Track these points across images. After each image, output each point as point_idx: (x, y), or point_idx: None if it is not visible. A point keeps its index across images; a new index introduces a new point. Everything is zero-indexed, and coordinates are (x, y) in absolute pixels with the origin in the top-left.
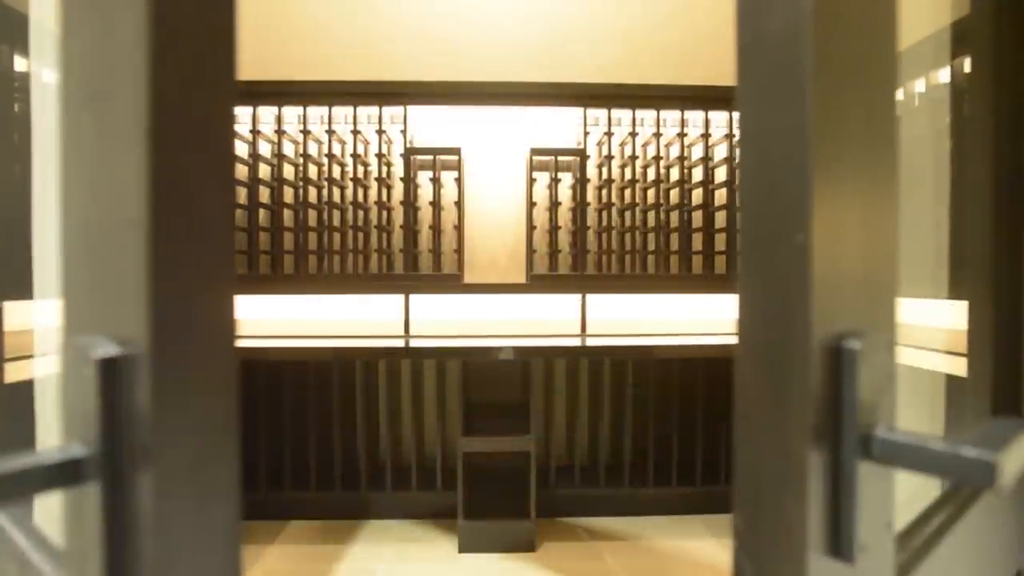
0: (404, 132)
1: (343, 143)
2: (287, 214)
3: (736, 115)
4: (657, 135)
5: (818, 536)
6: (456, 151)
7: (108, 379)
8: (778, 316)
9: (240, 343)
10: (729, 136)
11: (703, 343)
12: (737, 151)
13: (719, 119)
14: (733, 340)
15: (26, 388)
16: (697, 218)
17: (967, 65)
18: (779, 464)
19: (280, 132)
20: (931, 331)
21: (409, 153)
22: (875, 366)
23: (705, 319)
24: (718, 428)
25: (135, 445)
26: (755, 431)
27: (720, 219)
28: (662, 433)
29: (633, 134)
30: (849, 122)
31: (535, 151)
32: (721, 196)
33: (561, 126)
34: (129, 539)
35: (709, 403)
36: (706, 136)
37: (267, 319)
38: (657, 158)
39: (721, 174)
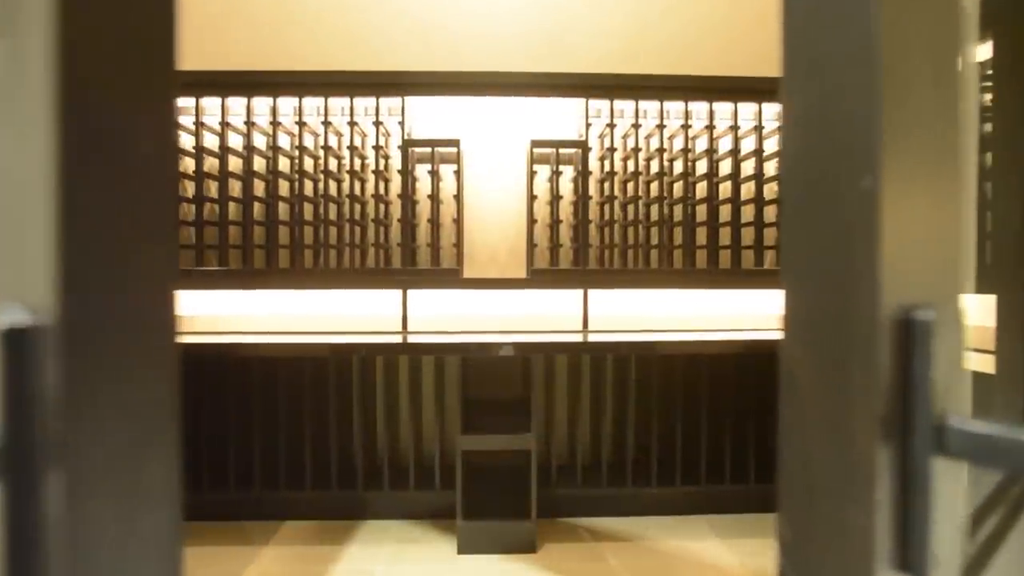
0: (402, 124)
1: (340, 135)
2: (282, 207)
3: (741, 107)
4: (661, 127)
5: (886, 546)
6: (455, 143)
7: (15, 353)
8: (836, 284)
9: (235, 339)
10: (733, 128)
11: (708, 339)
12: (740, 143)
13: (723, 111)
14: (738, 336)
15: None
16: (701, 212)
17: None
18: (838, 462)
19: (275, 124)
20: None
21: (407, 145)
22: (948, 344)
23: (709, 315)
24: (723, 426)
25: (47, 436)
26: (806, 425)
27: (724, 213)
28: (666, 431)
29: (636, 126)
30: (917, 50)
31: (536, 143)
32: (725, 189)
33: (562, 118)
34: (38, 550)
35: (714, 400)
36: (711, 128)
37: (262, 315)
38: (660, 150)
39: (725, 167)
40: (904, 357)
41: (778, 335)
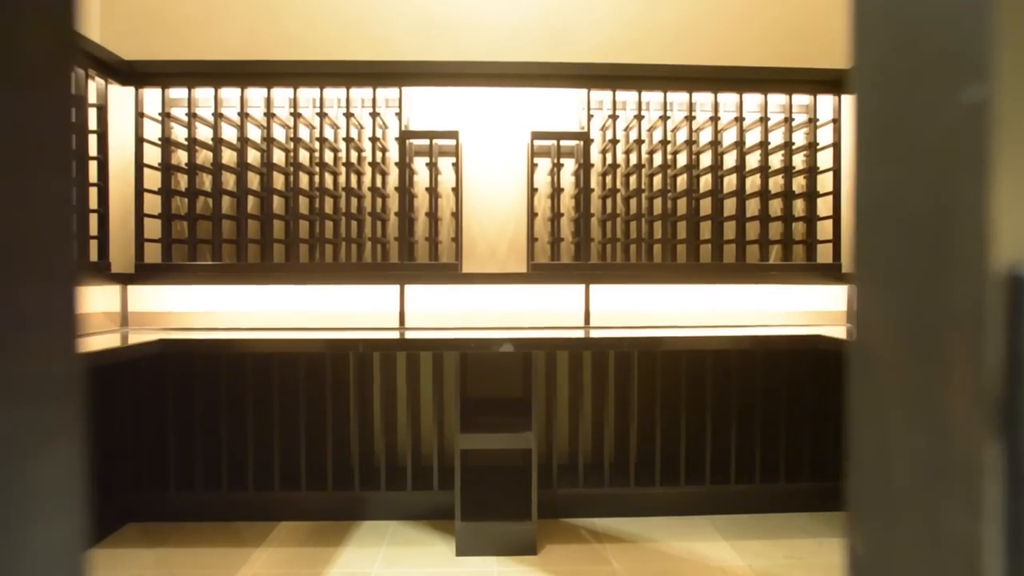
0: (399, 115)
1: (336, 127)
2: (277, 201)
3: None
4: (664, 118)
5: (996, 561)
6: (454, 135)
7: None
8: (925, 237)
9: (228, 336)
10: (739, 120)
11: (713, 335)
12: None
13: (728, 102)
14: (743, 332)
15: None
16: (705, 206)
17: None
18: (931, 459)
19: (270, 115)
20: None
21: (404, 137)
22: None
23: (714, 311)
24: (728, 424)
25: None
26: (887, 415)
27: (729, 207)
28: (669, 430)
29: (639, 117)
30: None
31: (536, 135)
32: (730, 183)
33: (563, 109)
34: None
35: (719, 398)
36: (715, 119)
37: (256, 311)
38: (664, 142)
39: (730, 160)
40: (1018, 326)
41: (794, 330)
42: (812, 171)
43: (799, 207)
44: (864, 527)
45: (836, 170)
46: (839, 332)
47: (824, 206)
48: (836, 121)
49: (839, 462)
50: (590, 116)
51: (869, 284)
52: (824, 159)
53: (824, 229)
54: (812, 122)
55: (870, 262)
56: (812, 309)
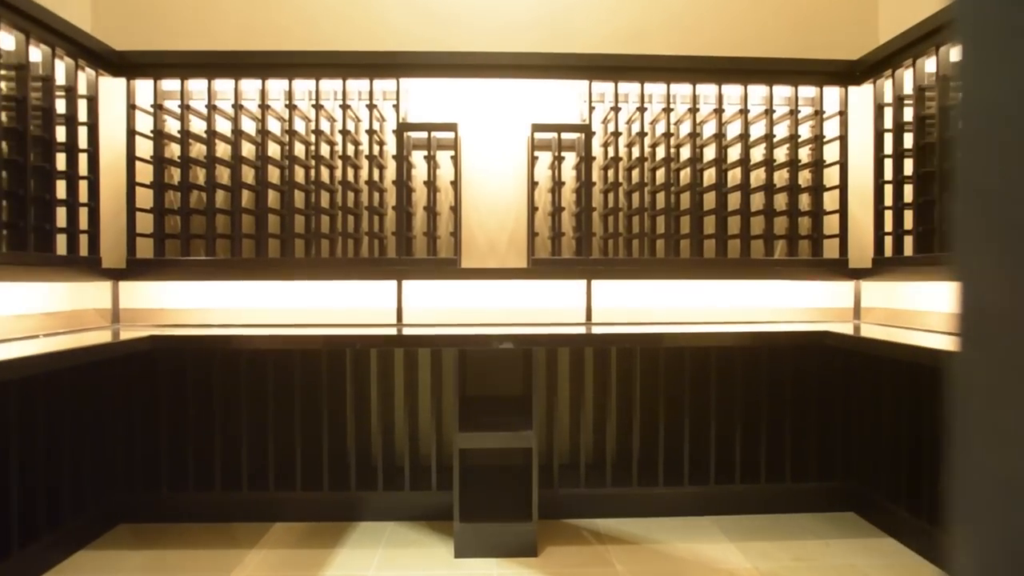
0: (397, 107)
1: (332, 120)
2: (272, 195)
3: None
4: (667, 111)
5: None
6: (452, 127)
7: None
8: None
9: (222, 332)
10: (743, 112)
11: (717, 331)
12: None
13: (732, 94)
14: (749, 328)
15: None
16: (709, 200)
17: None
18: None
19: (264, 107)
20: None
21: (402, 129)
22: None
23: (718, 307)
24: (732, 423)
25: None
26: (999, 415)
27: (733, 201)
28: (673, 428)
29: (641, 109)
30: None
31: (537, 127)
32: (734, 176)
33: (564, 101)
34: None
35: (723, 396)
36: (719, 112)
37: (251, 307)
38: (667, 135)
39: (734, 153)
40: None
41: (800, 326)
42: (818, 164)
43: (805, 201)
44: (975, 542)
45: (843, 163)
46: (846, 328)
47: (831, 200)
48: (843, 114)
49: (846, 461)
50: (592, 108)
51: (978, 271)
52: (831, 152)
53: (831, 224)
54: (818, 114)
55: (983, 249)
56: (818, 305)
